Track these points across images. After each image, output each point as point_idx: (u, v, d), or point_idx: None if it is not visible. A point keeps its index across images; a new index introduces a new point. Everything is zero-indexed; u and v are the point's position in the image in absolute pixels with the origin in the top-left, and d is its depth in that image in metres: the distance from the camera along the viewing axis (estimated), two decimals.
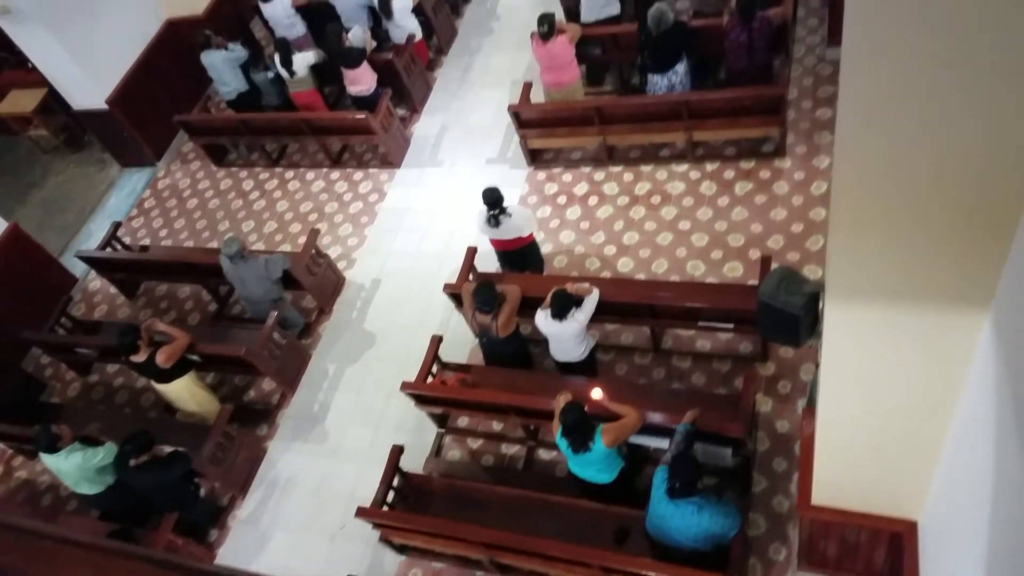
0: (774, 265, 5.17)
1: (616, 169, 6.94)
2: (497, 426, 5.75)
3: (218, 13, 8.70)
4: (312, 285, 6.62)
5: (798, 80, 6.90)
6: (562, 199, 6.94)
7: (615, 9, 7.10)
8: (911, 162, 2.19)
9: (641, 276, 6.16)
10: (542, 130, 6.96)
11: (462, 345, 6.13)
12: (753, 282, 5.43)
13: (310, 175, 8.09)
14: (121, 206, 8.53)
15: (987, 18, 1.83)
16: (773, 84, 6.17)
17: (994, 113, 1.99)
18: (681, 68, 6.28)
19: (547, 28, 6.45)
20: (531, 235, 6.05)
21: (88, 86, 7.99)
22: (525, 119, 6.90)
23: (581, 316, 4.90)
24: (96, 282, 7.87)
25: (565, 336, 5.00)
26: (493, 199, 5.57)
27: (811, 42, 7.18)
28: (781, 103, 6.04)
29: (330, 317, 6.82)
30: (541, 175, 7.19)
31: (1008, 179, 2.10)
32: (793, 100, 6.69)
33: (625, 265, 6.30)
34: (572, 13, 7.48)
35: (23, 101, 9.05)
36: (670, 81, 6.32)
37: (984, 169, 2.12)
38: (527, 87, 7.08)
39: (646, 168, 6.84)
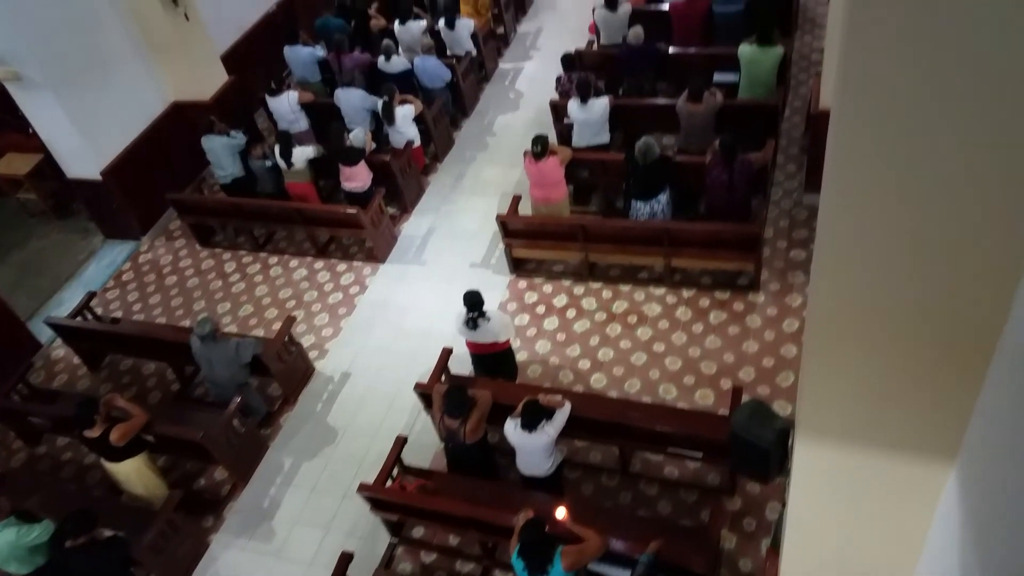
0: (745, 397, 5.19)
1: (596, 285, 7.06)
2: (454, 540, 5.54)
3: (224, 100, 8.95)
4: (280, 373, 6.52)
5: (774, 221, 7.18)
6: (541, 308, 7.00)
7: (605, 138, 7.43)
8: (884, 310, 2.25)
9: (614, 394, 6.14)
10: (527, 241, 7.12)
11: (426, 449, 6.00)
12: (724, 412, 5.44)
13: (294, 262, 8.12)
14: (99, 277, 8.46)
15: (958, 184, 1.93)
16: (750, 222, 6.41)
17: (964, 271, 2.07)
18: (664, 198, 6.53)
19: (540, 148, 6.72)
20: (507, 341, 6.06)
21: (85, 156, 8.09)
22: (512, 229, 7.06)
23: (551, 429, 4.84)
24: (60, 351, 7.69)
25: (533, 449, 4.91)
26: (474, 301, 5.62)
27: (789, 187, 7.52)
28: (757, 241, 6.26)
29: (294, 408, 6.68)
30: (522, 283, 7.28)
31: (977, 335, 2.16)
32: (769, 239, 6.94)
33: (598, 381, 6.29)
34: (564, 137, 7.82)
35: (17, 164, 9.13)
36: (652, 209, 6.55)
37: (955, 324, 2.18)
38: (516, 199, 7.29)
39: (625, 287, 6.97)
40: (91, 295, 7.46)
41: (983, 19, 1.95)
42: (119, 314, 7.91)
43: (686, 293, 6.77)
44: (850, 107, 2.12)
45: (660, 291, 6.85)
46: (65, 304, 7.92)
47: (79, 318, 7.18)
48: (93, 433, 5.48)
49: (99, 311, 7.58)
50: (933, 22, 1.98)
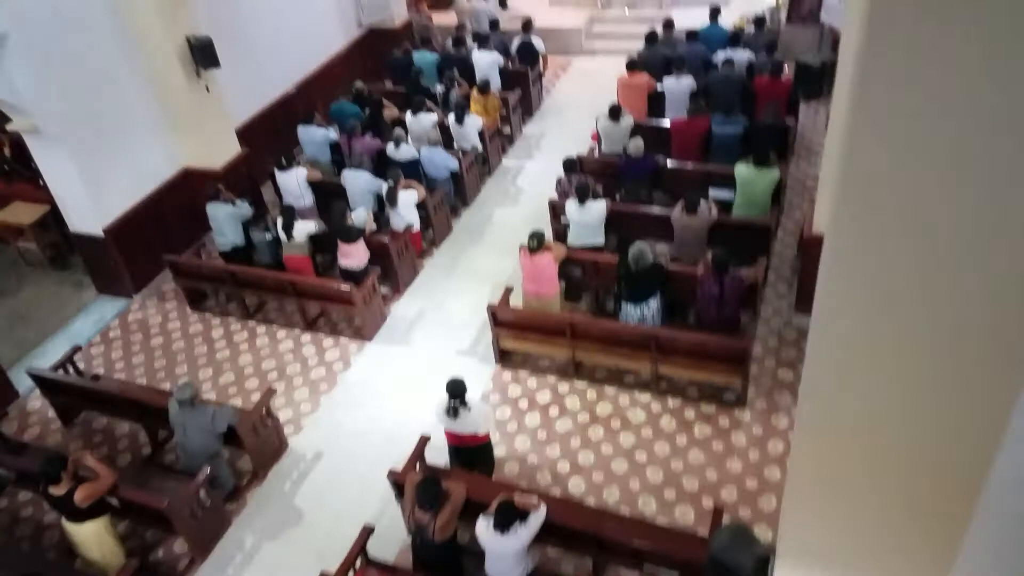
0: (726, 519, 5.12)
1: (581, 385, 7.06)
2: None
3: (235, 171, 9.18)
4: (253, 446, 6.42)
5: (763, 338, 7.27)
6: (524, 403, 6.98)
7: (600, 240, 7.61)
8: (871, 442, 2.26)
9: (591, 501, 6.04)
10: (515, 332, 7.17)
11: (393, 543, 5.84)
12: (704, 532, 5.34)
13: (281, 333, 8.14)
14: (85, 331, 8.44)
15: (949, 319, 1.99)
16: (739, 337, 6.48)
17: (953, 405, 2.10)
18: (654, 303, 6.63)
19: (536, 243, 6.88)
20: (487, 434, 6.03)
21: (90, 211, 8.23)
22: (501, 319, 7.13)
23: (524, 533, 4.74)
24: (37, 402, 7.59)
25: (504, 553, 4.80)
26: (456, 390, 5.61)
27: (779, 306, 7.66)
28: (745, 356, 6.31)
29: (262, 484, 6.55)
30: (507, 375, 7.29)
31: (966, 468, 2.16)
32: (757, 356, 7.00)
33: (576, 486, 6.21)
34: (560, 236, 8.00)
35: (23, 213, 9.25)
36: (642, 313, 6.64)
37: (943, 458, 2.19)
38: (508, 291, 7.39)
39: (610, 390, 6.97)
40: (76, 349, 7.43)
41: (968, 160, 2.05)
42: (101, 370, 7.86)
43: (672, 402, 6.78)
44: (844, 241, 2.20)
45: (645, 397, 6.85)
46: (49, 355, 7.87)
47: (61, 371, 7.12)
48: (58, 491, 5.36)
49: (82, 366, 7.52)
50: (925, 159, 2.08)
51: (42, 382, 7.22)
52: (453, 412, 5.66)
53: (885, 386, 2.18)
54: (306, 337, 8.05)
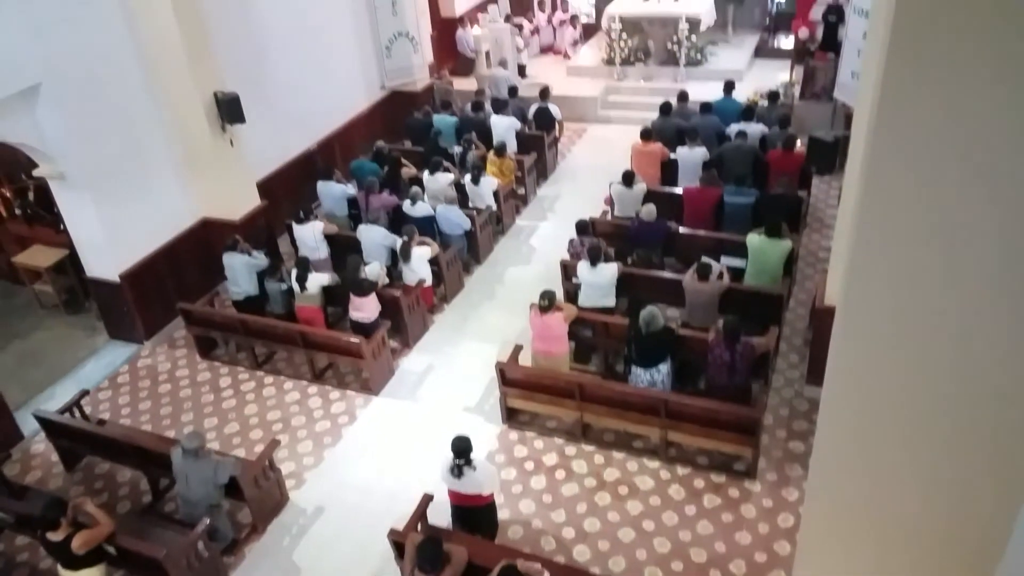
0: None
1: (589, 448, 6.97)
2: None
3: (252, 223, 9.33)
4: (254, 499, 6.34)
5: (774, 408, 7.19)
6: (530, 465, 6.89)
7: (611, 302, 7.63)
8: (880, 521, 2.22)
9: (596, 570, 5.88)
10: (524, 392, 7.12)
11: None
12: None
13: (288, 384, 8.12)
14: (95, 375, 8.46)
15: (961, 401, 1.98)
16: (750, 406, 6.40)
17: (964, 485, 2.07)
18: (664, 368, 6.60)
19: (547, 302, 6.90)
20: (491, 495, 5.93)
21: (108, 257, 8.36)
22: (510, 377, 7.09)
23: None
24: (41, 445, 7.56)
25: None
26: (461, 448, 5.55)
27: (790, 376, 7.59)
28: (756, 426, 6.23)
29: (260, 538, 6.43)
30: (514, 435, 7.21)
31: (978, 552, 2.12)
32: (768, 426, 6.91)
33: (581, 554, 6.06)
34: (571, 296, 8.03)
35: (41, 256, 9.39)
36: (652, 377, 6.60)
37: (955, 542, 2.14)
38: (517, 349, 7.37)
39: (618, 455, 6.87)
40: (83, 393, 7.42)
41: (976, 238, 2.08)
42: (107, 415, 7.84)
43: (681, 470, 6.66)
44: (854, 314, 2.21)
45: (654, 464, 6.75)
46: (56, 399, 7.87)
47: (67, 414, 7.11)
48: (56, 536, 5.29)
49: (88, 410, 7.50)
50: (933, 236, 2.11)
51: (48, 425, 7.20)
52: (457, 471, 5.59)
53: (897, 462, 2.16)
54: (313, 389, 8.03)
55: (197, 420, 7.76)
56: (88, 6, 7.60)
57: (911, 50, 2.14)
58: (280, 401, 7.91)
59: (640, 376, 6.67)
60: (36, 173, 7.97)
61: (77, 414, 7.20)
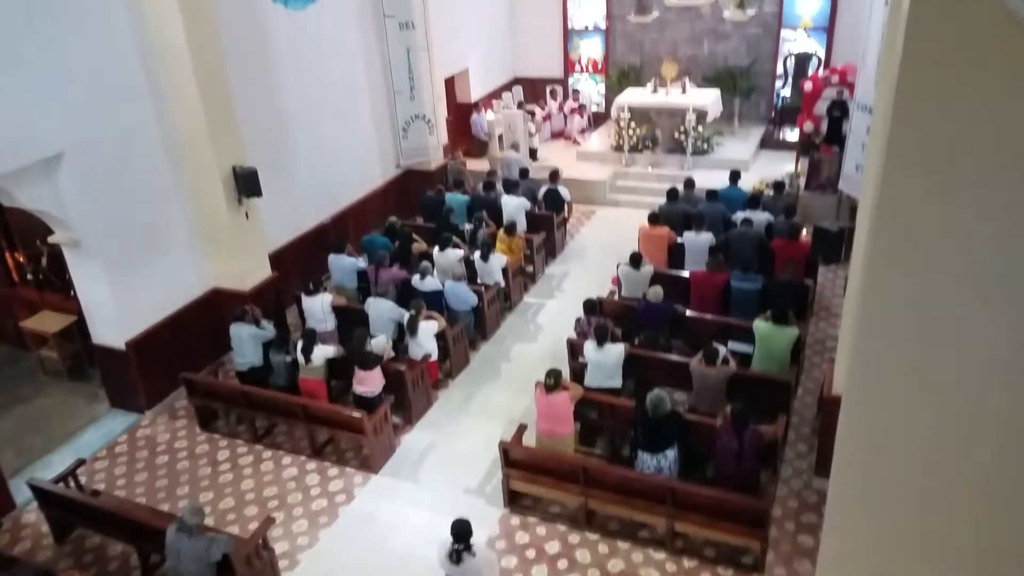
0: None
1: (593, 537, 6.77)
2: None
3: (262, 294, 9.38)
4: None
5: (783, 500, 7.01)
6: (531, 553, 6.68)
7: (617, 383, 7.57)
8: None
9: None
10: (527, 474, 6.98)
11: None
12: None
13: (286, 460, 7.99)
14: (93, 444, 8.35)
15: (966, 490, 1.93)
16: (759, 496, 6.25)
17: None
18: (671, 454, 6.48)
19: (553, 381, 6.84)
20: None
21: (116, 325, 8.37)
22: (513, 458, 6.97)
23: None
24: (32, 515, 7.39)
25: None
26: (461, 532, 5.39)
27: (799, 466, 7.44)
28: (765, 518, 6.07)
29: None
30: (515, 520, 7.03)
31: None
32: (777, 519, 6.72)
33: None
34: (577, 375, 7.97)
35: (49, 322, 9.43)
36: (659, 463, 6.47)
37: None
38: (521, 428, 7.27)
39: (623, 545, 6.66)
40: (80, 462, 7.31)
41: (975, 334, 2.08)
42: (102, 486, 7.70)
43: (687, 563, 6.44)
44: (860, 406, 2.19)
45: (660, 556, 6.52)
46: (52, 467, 7.75)
47: (62, 484, 6.98)
48: None
49: (84, 480, 7.38)
50: (934, 331, 2.11)
51: (41, 494, 7.06)
52: (456, 557, 5.41)
53: (906, 563, 2.10)
54: (311, 465, 7.89)
55: (193, 494, 7.60)
56: (117, 79, 7.86)
57: (909, 152, 2.21)
58: (277, 477, 7.77)
59: (646, 461, 6.54)
60: (51, 239, 8.08)
61: (72, 484, 7.08)
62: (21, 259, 9.81)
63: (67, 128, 7.39)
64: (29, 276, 9.80)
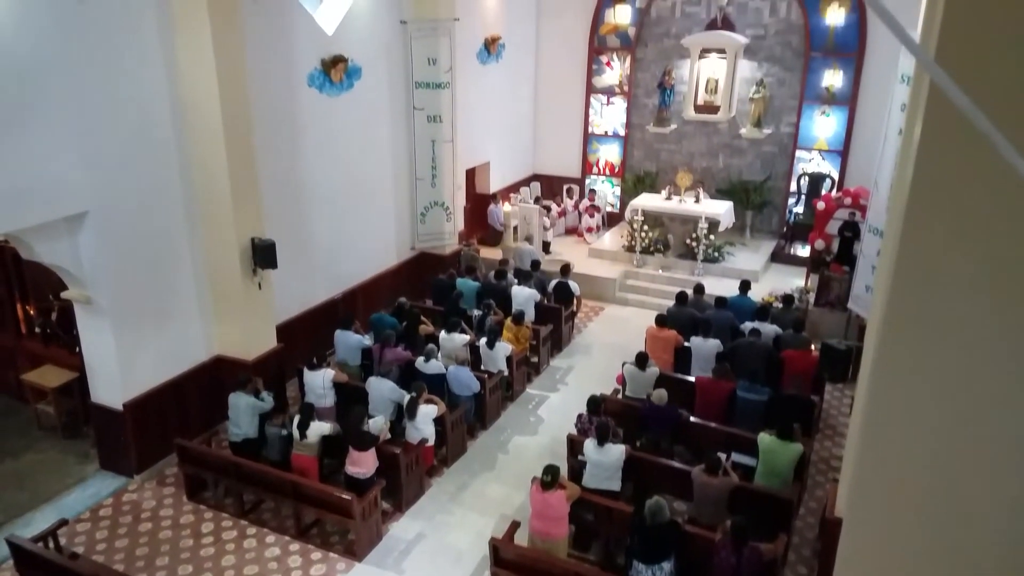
0: None
1: None
2: None
3: (265, 364, 9.38)
4: None
5: None
6: None
7: (616, 485, 7.42)
8: None
9: None
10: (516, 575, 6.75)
11: None
12: None
13: (270, 538, 7.78)
14: (78, 505, 8.17)
15: None
16: None
17: None
18: (668, 566, 6.26)
19: (550, 478, 6.71)
20: None
21: (116, 384, 8.33)
22: (503, 557, 6.75)
23: None
24: (7, 574, 7.16)
25: None
26: None
27: None
28: None
29: None
30: None
31: None
32: None
33: None
34: (575, 474, 7.82)
35: (50, 376, 9.41)
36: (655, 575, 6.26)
37: None
38: (514, 525, 7.08)
39: None
40: (62, 523, 7.15)
41: (973, 471, 2.07)
42: (82, 549, 7.48)
43: None
44: (861, 529, 2.16)
45: None
46: (34, 525, 7.56)
47: (41, 544, 6.80)
48: None
49: (63, 541, 7.18)
50: (934, 461, 2.10)
51: (18, 552, 6.85)
52: None
53: None
54: (295, 546, 7.67)
55: (172, 566, 7.37)
56: (148, 145, 8.08)
57: (914, 281, 2.27)
58: (259, 555, 7.54)
59: (641, 572, 6.31)
60: (64, 295, 8.16)
61: (51, 544, 6.89)
62: (32, 311, 9.90)
63: (94, 188, 7.55)
64: (37, 329, 9.86)
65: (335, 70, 10.67)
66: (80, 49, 7.20)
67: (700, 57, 14.59)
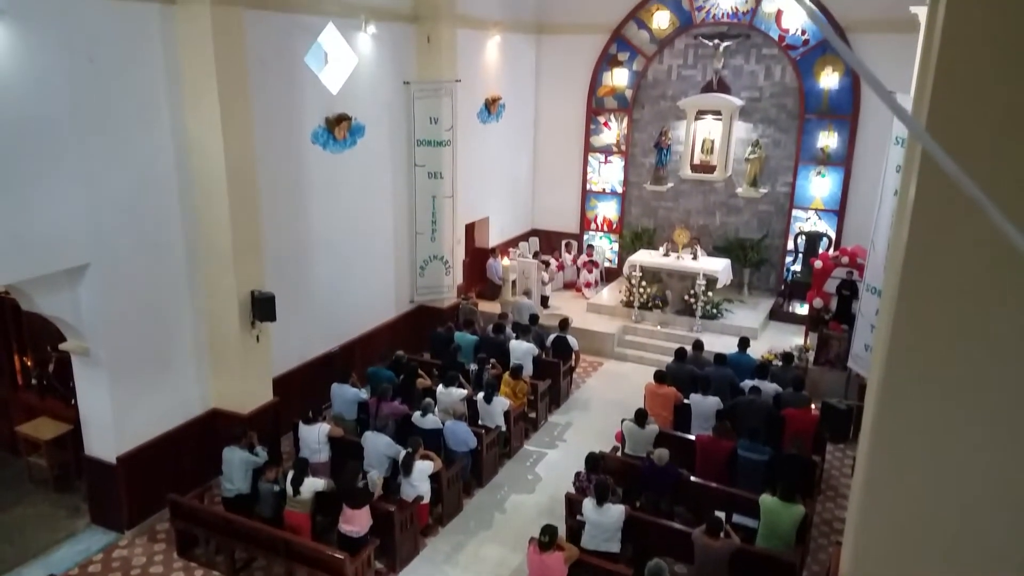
0: None
1: None
2: None
3: (260, 418, 9.29)
4: None
5: None
6: None
7: (615, 547, 7.27)
8: None
9: None
10: None
11: None
12: None
13: None
14: (66, 561, 7.98)
15: None
16: None
17: None
18: None
19: (548, 539, 6.59)
20: None
21: (110, 438, 8.23)
22: None
23: None
24: None
25: None
26: None
27: None
28: None
29: None
30: None
31: None
32: None
33: None
34: (574, 534, 7.69)
35: (44, 429, 9.31)
36: None
37: None
38: None
39: None
40: None
41: (975, 532, 2.05)
42: None
43: None
44: None
45: None
46: None
47: None
48: None
49: None
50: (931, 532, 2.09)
51: None
52: None
53: None
54: None
55: None
56: (152, 200, 8.16)
57: (910, 350, 2.29)
58: None
59: None
60: (62, 347, 8.14)
61: None
62: (29, 363, 9.86)
63: (96, 240, 7.60)
64: (33, 381, 9.81)
65: (339, 128, 10.87)
66: (87, 105, 7.35)
67: (696, 118, 14.90)
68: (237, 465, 8.14)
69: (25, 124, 6.81)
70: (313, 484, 7.82)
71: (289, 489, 7.81)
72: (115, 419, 8.19)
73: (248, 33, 8.62)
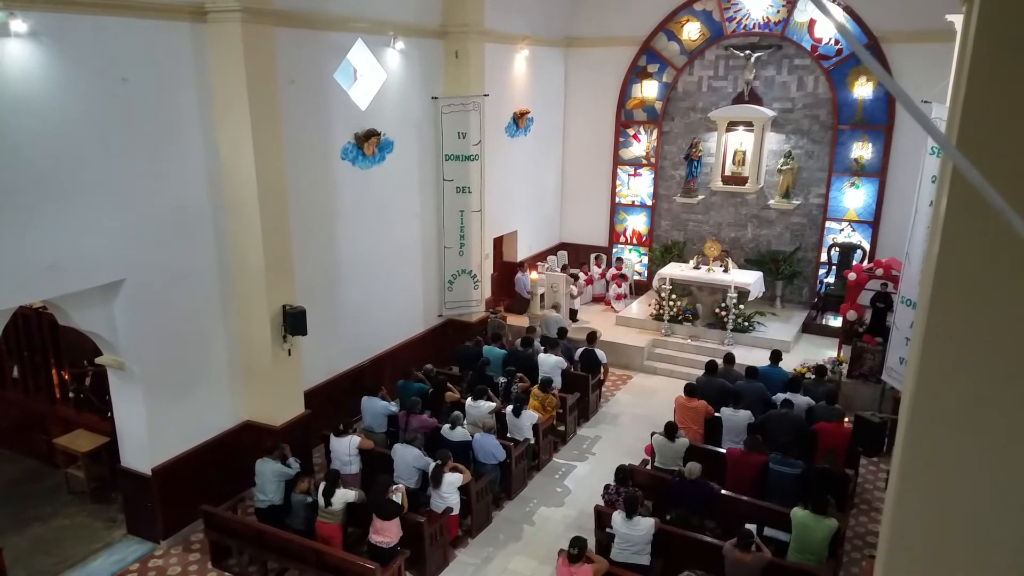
0: None
1: None
2: None
3: (292, 430, 9.39)
4: None
5: None
6: None
7: (645, 560, 7.22)
8: None
9: None
10: None
11: None
12: None
13: None
14: (103, 570, 8.14)
15: None
16: None
17: None
18: None
19: (577, 551, 6.57)
20: None
21: (146, 450, 8.38)
22: None
23: None
24: None
25: None
26: None
27: None
28: None
29: None
30: None
31: None
32: None
33: None
34: (603, 547, 7.63)
35: (81, 441, 9.51)
36: None
37: None
38: None
39: None
40: None
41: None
42: None
43: None
44: None
45: None
46: None
47: None
48: None
49: None
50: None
51: None
52: None
53: None
54: None
55: None
56: (186, 218, 8.33)
57: (942, 370, 2.26)
58: None
59: None
60: (99, 360, 8.31)
61: None
62: (66, 377, 10.08)
63: (131, 257, 7.75)
64: (71, 394, 10.03)
65: (368, 144, 11.01)
66: (121, 125, 7.51)
67: (727, 130, 14.82)
68: (270, 477, 8.23)
69: (60, 144, 6.98)
70: (344, 495, 7.88)
71: (321, 500, 7.88)
72: (150, 431, 8.34)
73: (278, 51, 8.78)
